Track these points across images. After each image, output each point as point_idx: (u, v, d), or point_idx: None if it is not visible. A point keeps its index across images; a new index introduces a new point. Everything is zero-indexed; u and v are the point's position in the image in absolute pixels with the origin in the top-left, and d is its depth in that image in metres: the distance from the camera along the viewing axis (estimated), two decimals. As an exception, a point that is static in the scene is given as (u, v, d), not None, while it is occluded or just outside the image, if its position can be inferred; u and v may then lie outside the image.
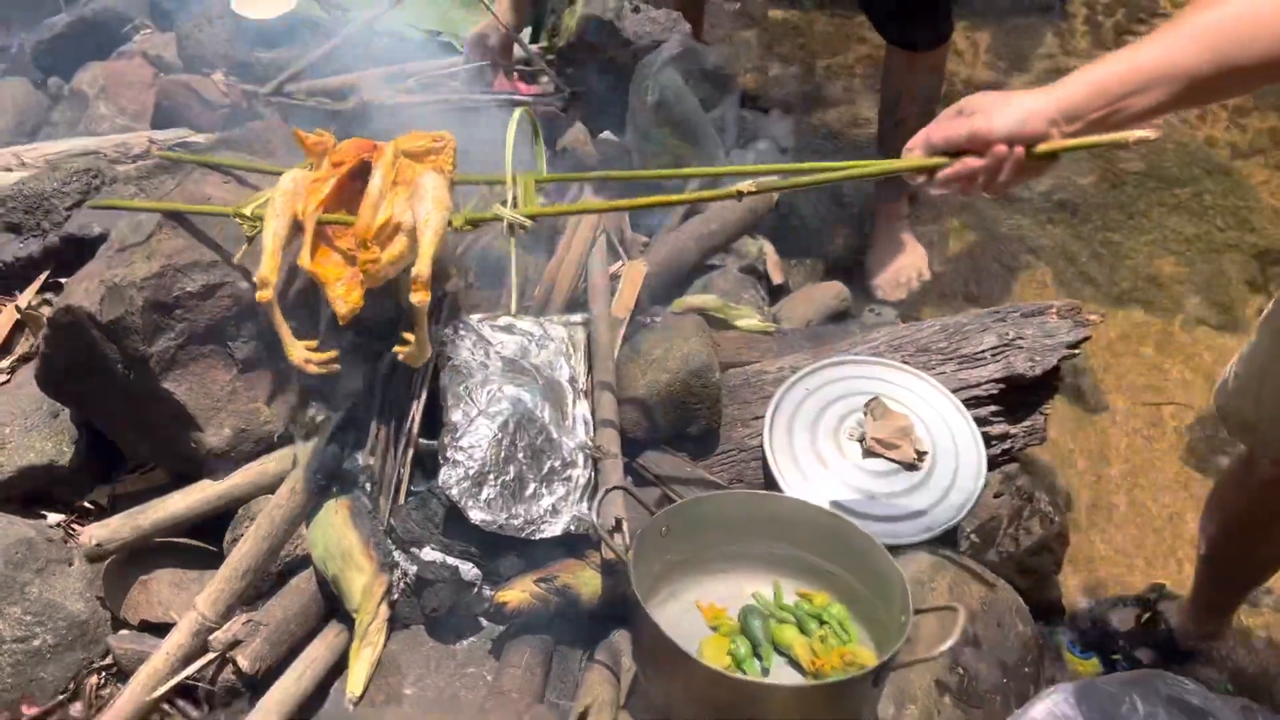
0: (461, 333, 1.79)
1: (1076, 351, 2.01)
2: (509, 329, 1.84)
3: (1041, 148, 1.27)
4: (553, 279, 1.98)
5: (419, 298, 1.47)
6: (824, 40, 3.78)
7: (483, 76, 2.55)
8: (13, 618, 1.75)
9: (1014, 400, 1.99)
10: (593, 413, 1.78)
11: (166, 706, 1.72)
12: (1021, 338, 2.00)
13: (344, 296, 1.53)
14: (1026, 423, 2.00)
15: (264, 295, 1.50)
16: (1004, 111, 1.28)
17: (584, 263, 2.00)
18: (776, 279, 2.51)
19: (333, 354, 1.59)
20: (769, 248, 2.52)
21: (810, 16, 3.89)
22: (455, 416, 1.66)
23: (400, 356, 1.55)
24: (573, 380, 1.82)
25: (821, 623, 1.55)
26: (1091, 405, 2.59)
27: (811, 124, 3.36)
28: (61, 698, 1.77)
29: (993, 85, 3.59)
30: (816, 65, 3.66)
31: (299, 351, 1.56)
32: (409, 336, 1.52)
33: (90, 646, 1.82)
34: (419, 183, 1.56)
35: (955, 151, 1.30)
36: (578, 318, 1.92)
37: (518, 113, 1.62)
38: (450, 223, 1.56)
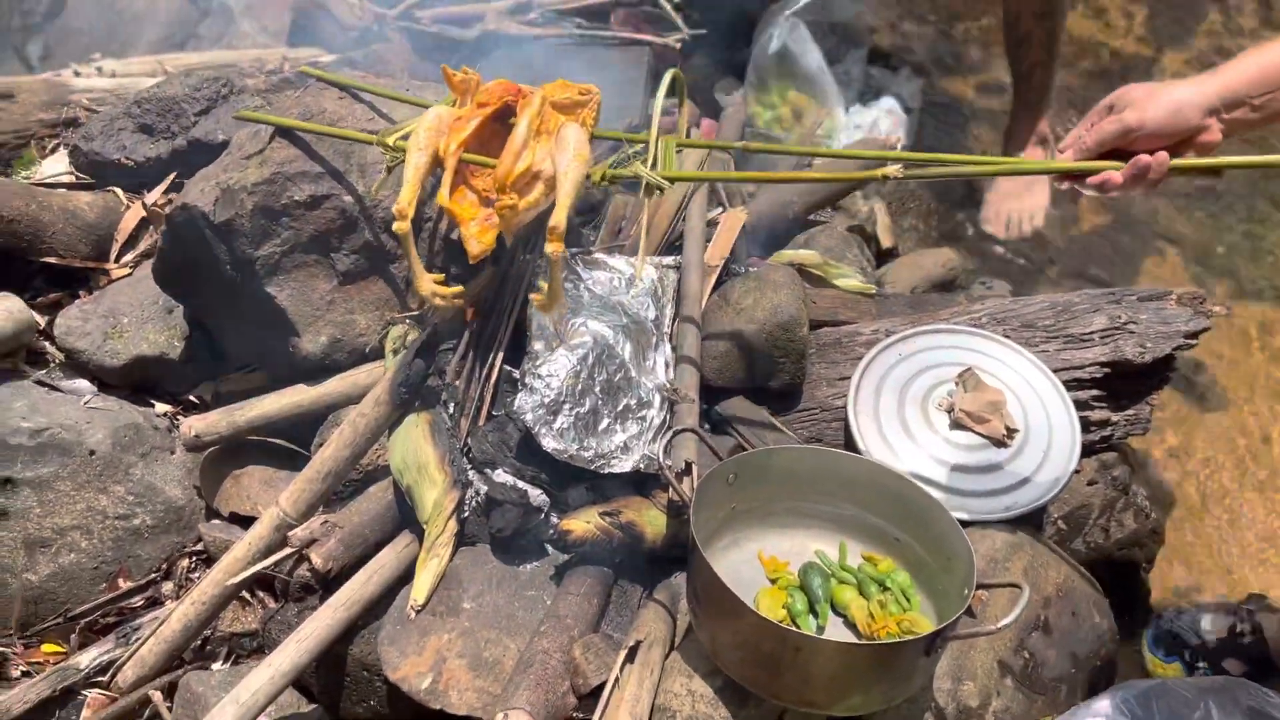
0: (554, 264, 1.80)
1: (1194, 342, 1.90)
2: (601, 265, 1.85)
3: (1179, 162, 1.24)
4: (650, 219, 1.97)
5: (554, 248, 1.49)
6: (965, 0, 3.62)
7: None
8: (116, 495, 1.86)
9: (1119, 387, 1.90)
10: (674, 356, 1.78)
11: (245, 594, 1.82)
12: (1134, 322, 1.91)
13: (477, 237, 1.57)
14: (1130, 411, 1.92)
15: (401, 226, 1.54)
16: (1156, 104, 1.24)
17: (684, 206, 1.98)
18: (886, 242, 2.45)
19: (459, 289, 1.62)
20: (881, 209, 2.45)
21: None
22: (537, 345, 1.67)
23: (535, 304, 1.58)
24: (658, 322, 1.81)
25: (884, 588, 1.52)
26: (1208, 402, 2.45)
27: (942, 86, 3.23)
28: (155, 575, 1.89)
29: (1145, 60, 3.39)
30: (955, 26, 3.52)
31: (428, 284, 1.61)
32: (543, 284, 1.55)
33: (184, 531, 1.92)
34: (561, 134, 1.57)
35: (1109, 151, 1.29)
36: (670, 260, 1.91)
37: (669, 75, 1.62)
38: (588, 176, 1.57)
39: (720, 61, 2.61)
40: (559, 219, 1.49)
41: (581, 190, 1.54)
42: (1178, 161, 1.23)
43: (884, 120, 2.56)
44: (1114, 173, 1.26)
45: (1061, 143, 1.36)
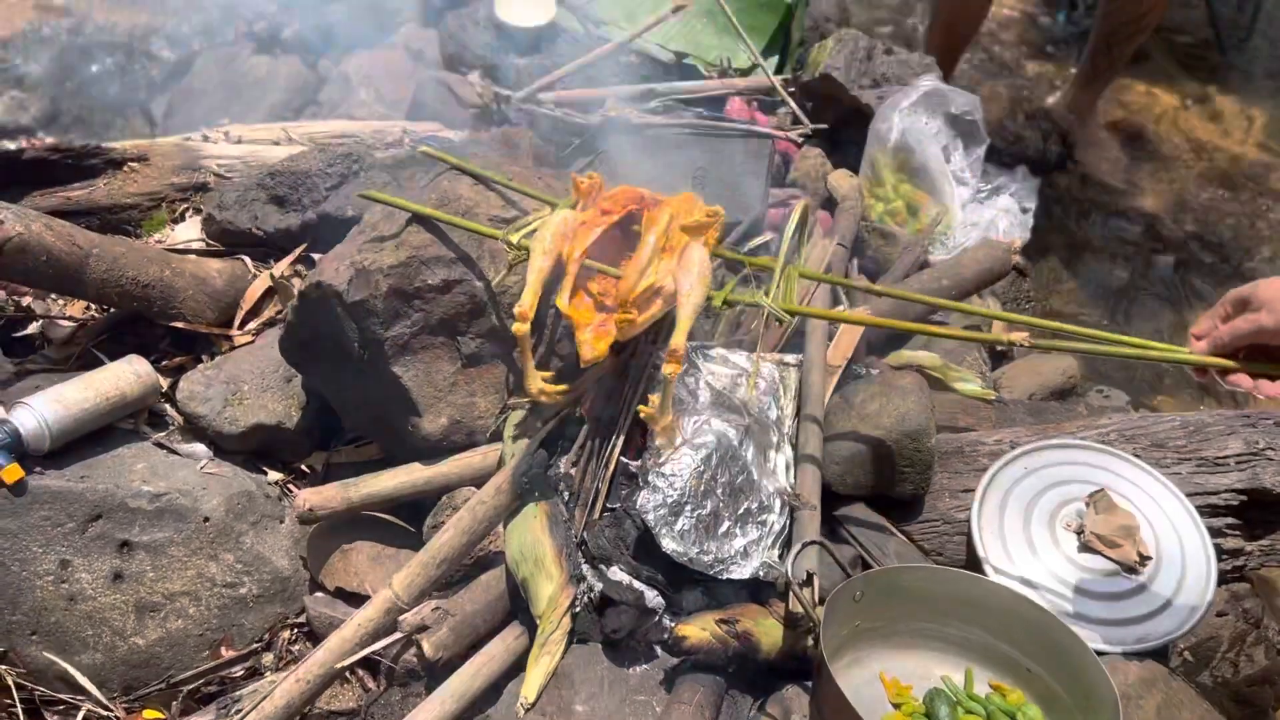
0: (676, 358, 1.78)
1: (1337, 474, 1.82)
2: (722, 360, 1.83)
3: None
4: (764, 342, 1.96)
5: (672, 370, 1.50)
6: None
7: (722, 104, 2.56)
8: (226, 563, 1.87)
9: (1255, 515, 1.82)
10: (795, 459, 1.74)
11: (347, 674, 1.80)
12: (1273, 449, 1.84)
13: (591, 343, 1.58)
14: (1265, 541, 1.84)
15: (520, 329, 1.56)
16: None
17: (805, 303, 1.96)
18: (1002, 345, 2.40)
19: (564, 388, 1.66)
20: (996, 309, 2.40)
21: (1068, 72, 3.70)
22: (659, 441, 1.65)
23: (642, 415, 1.59)
24: (779, 422, 1.78)
25: (1013, 721, 1.45)
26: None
27: (1058, 186, 3.19)
28: (256, 645, 1.88)
29: (1262, 166, 3.32)
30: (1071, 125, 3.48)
31: (536, 383, 1.64)
32: (654, 399, 1.56)
33: (288, 603, 1.92)
34: (686, 254, 1.59)
35: (1242, 347, 1.32)
36: (791, 359, 1.88)
37: (799, 205, 1.64)
38: (709, 299, 1.59)
39: (835, 151, 2.60)
40: (678, 342, 1.50)
41: (700, 312, 1.56)
42: None
43: (1001, 219, 2.52)
44: (1247, 381, 1.29)
45: (1195, 326, 1.36)
